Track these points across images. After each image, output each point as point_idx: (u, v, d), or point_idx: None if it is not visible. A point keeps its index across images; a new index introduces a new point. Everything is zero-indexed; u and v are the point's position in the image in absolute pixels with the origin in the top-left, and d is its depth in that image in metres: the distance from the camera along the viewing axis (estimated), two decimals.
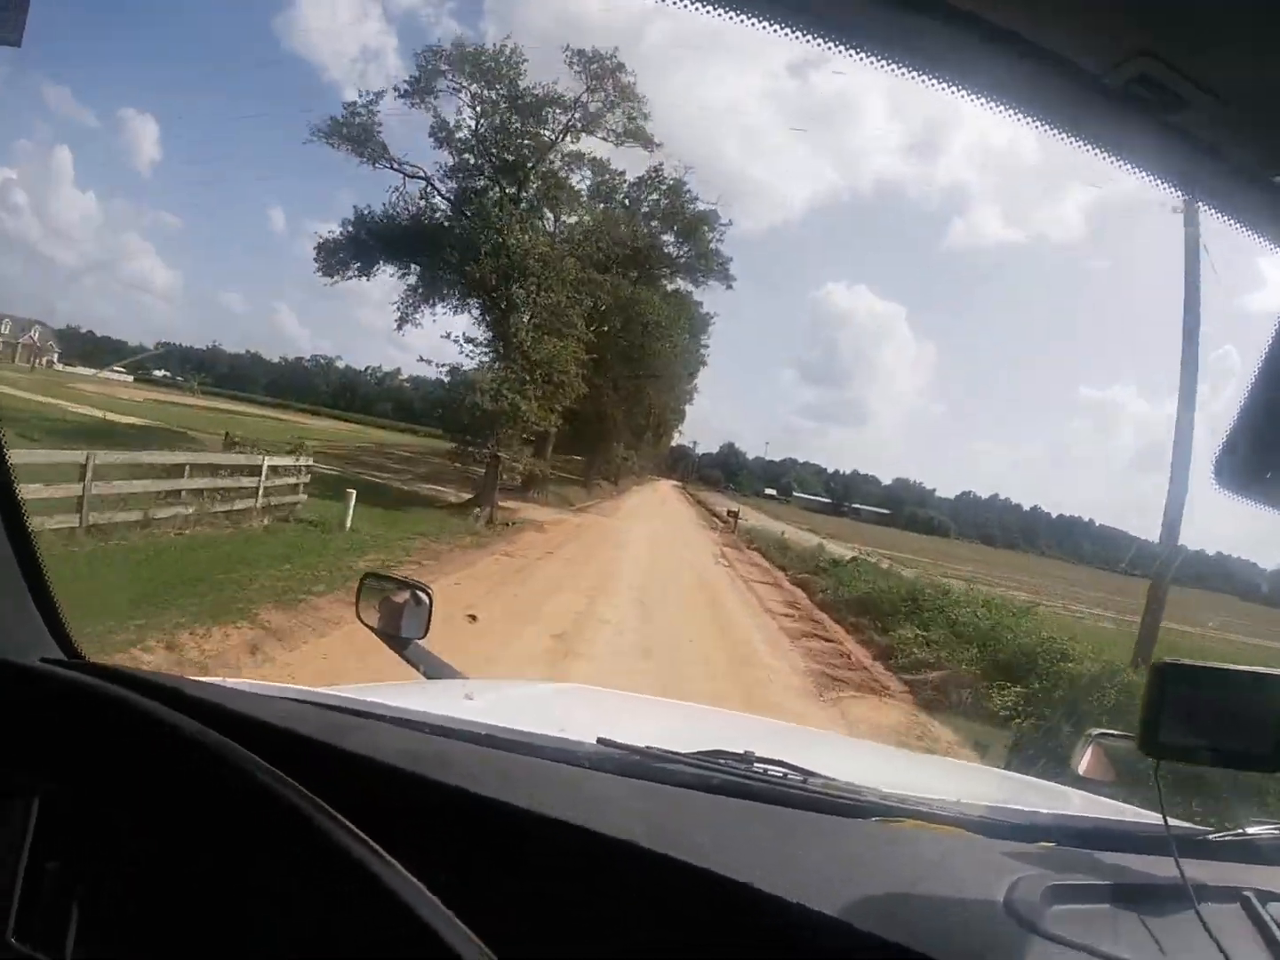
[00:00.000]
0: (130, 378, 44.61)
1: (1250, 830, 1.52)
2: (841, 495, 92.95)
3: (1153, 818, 1.46)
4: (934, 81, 0.83)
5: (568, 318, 23.44)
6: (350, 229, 25.61)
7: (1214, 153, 0.80)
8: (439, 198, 25.12)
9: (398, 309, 25.70)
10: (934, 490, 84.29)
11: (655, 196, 28.73)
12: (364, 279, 26.18)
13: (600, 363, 27.98)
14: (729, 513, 37.17)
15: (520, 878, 0.99)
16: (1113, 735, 1.87)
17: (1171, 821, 1.35)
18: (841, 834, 1.33)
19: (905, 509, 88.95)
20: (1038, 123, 0.84)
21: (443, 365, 24.44)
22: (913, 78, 0.82)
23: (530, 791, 1.16)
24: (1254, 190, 0.82)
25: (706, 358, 35.67)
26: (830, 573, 23.16)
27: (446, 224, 24.67)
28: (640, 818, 1.17)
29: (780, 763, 1.53)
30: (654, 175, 28.25)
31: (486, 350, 24.14)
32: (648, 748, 1.46)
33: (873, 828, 1.38)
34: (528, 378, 22.58)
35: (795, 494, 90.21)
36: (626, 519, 32.29)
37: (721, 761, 1.50)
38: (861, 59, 0.81)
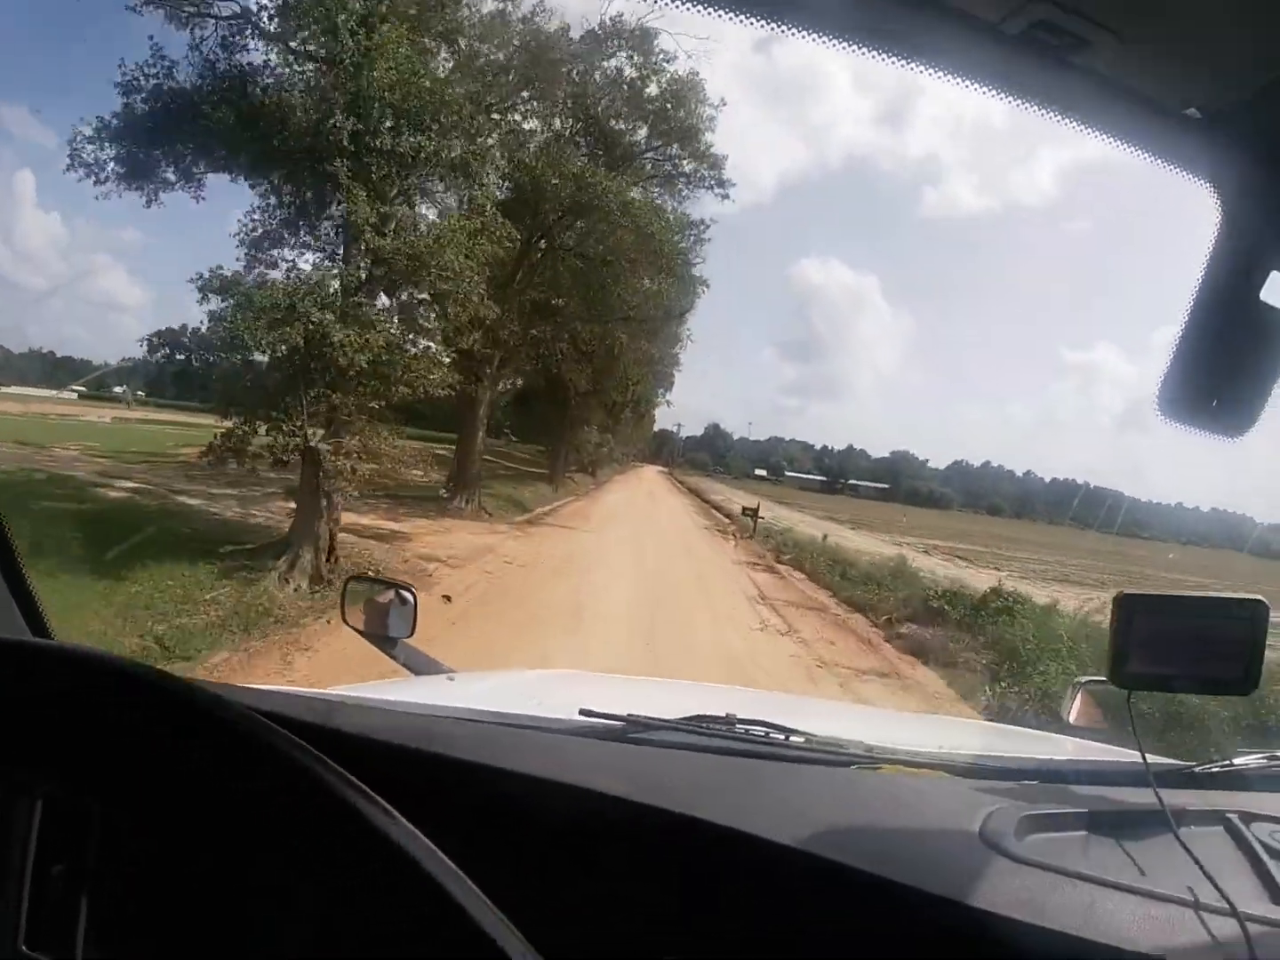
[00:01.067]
0: (75, 395, 40.58)
1: (1237, 761, 1.52)
2: (837, 472, 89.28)
3: (1136, 755, 1.40)
4: (839, 44, 0.83)
5: (459, 179, 12.46)
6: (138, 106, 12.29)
7: (1123, 90, 0.81)
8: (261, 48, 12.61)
9: (242, 239, 12.48)
10: (926, 461, 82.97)
11: (626, 69, 18.41)
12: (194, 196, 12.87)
13: (548, 308, 19.41)
14: (745, 510, 26.71)
15: (511, 836, 0.97)
16: (1100, 681, 1.73)
17: (1155, 758, 1.40)
18: (822, 781, 1.37)
19: (903, 482, 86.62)
20: (945, 75, 0.84)
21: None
22: (817, 41, 0.83)
23: (514, 757, 1.20)
24: (1166, 124, 0.83)
25: (704, 286, 23.25)
26: (977, 625, 12.32)
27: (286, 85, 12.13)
28: (624, 776, 1.21)
29: (761, 723, 1.54)
30: (615, 27, 17.88)
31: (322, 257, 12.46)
32: (629, 715, 1.47)
33: (853, 774, 1.40)
34: (363, 294, 11.35)
35: (788, 473, 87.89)
36: (602, 527, 22.71)
37: (703, 725, 1.52)
38: (764, 25, 0.82)
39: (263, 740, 0.86)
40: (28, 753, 0.92)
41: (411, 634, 2.18)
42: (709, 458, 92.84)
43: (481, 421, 20.27)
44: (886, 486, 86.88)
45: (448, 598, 9.86)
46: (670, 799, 1.15)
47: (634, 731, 1.45)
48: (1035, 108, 0.85)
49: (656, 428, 50.93)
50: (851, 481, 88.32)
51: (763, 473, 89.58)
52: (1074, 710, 1.94)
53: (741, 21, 0.83)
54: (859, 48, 0.83)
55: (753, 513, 25.66)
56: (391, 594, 2.23)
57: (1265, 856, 1.21)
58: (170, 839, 0.88)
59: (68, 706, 0.91)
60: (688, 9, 0.82)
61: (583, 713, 1.48)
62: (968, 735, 2.65)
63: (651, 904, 1.07)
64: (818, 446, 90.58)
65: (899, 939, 1.05)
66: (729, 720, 1.57)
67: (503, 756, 1.19)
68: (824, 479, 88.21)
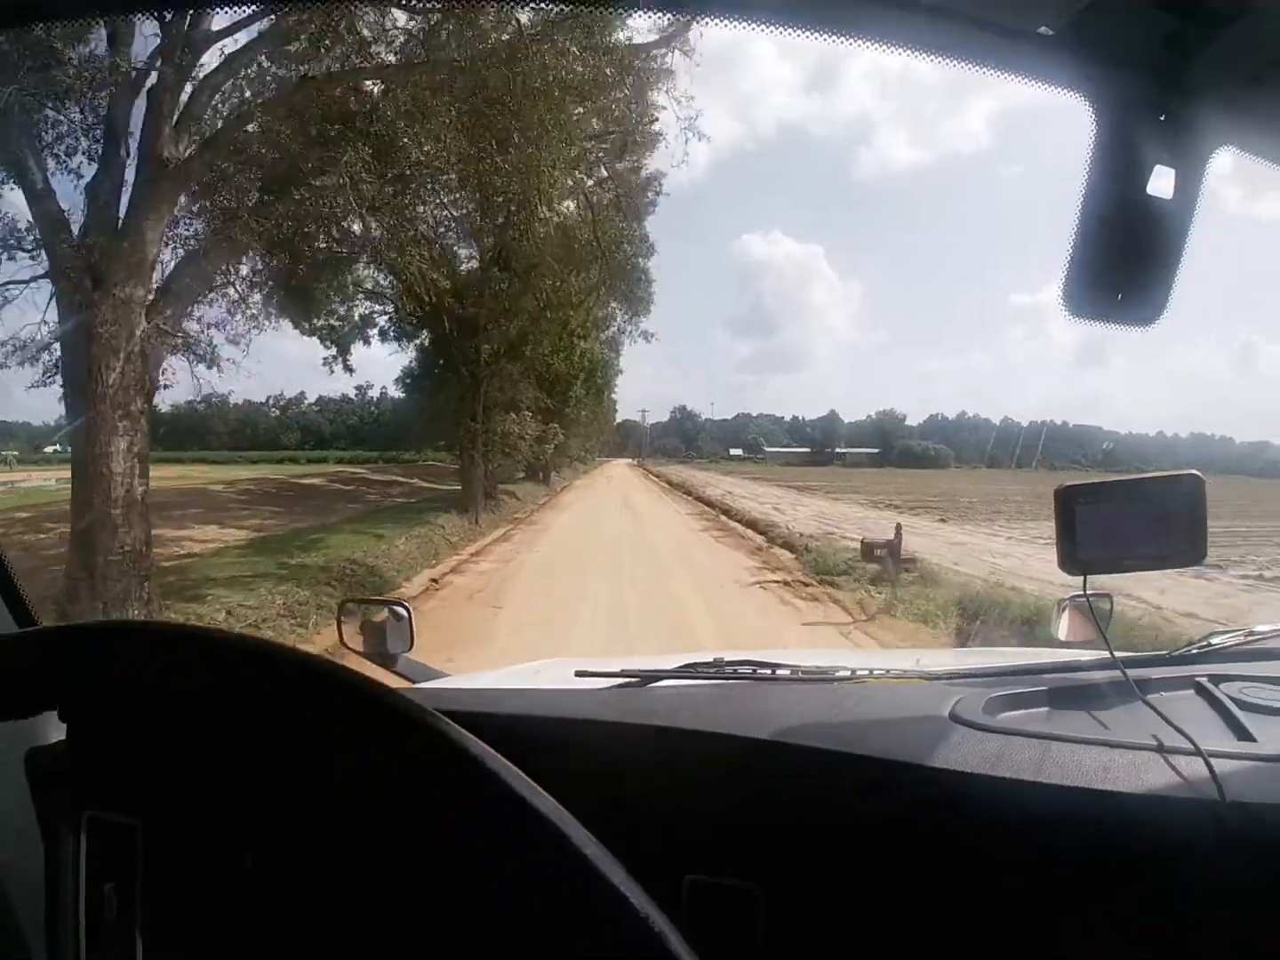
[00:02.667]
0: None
1: (1214, 640, 1.56)
2: (822, 441, 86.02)
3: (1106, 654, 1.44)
4: (710, 19, 0.86)
5: None
6: None
7: (975, 22, 0.83)
8: None
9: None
10: (904, 418, 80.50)
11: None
12: None
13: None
14: (873, 549, 12.06)
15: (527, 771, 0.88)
16: (1088, 595, 1.58)
17: (1119, 653, 1.39)
18: (808, 695, 1.44)
19: (895, 443, 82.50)
20: (808, 36, 0.85)
21: None
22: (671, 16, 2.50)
23: (521, 708, 1.30)
24: (1025, 46, 0.84)
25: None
26: None
27: None
28: (623, 712, 1.29)
29: (749, 661, 1.60)
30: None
31: None
32: (623, 669, 1.55)
33: (837, 688, 1.47)
34: None
35: (768, 449, 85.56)
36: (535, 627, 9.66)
37: (695, 670, 1.58)
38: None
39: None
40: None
41: (410, 648, 2.13)
42: (679, 443, 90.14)
43: None
44: (877, 451, 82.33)
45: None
46: (665, 720, 1.24)
47: (628, 683, 1.51)
48: (899, 53, 0.87)
49: (619, 418, 47.82)
50: (840, 450, 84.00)
51: (739, 452, 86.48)
52: (1062, 626, 1.86)
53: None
54: (711, 18, 0.86)
55: (889, 552, 11.76)
56: (385, 612, 2.17)
57: (1235, 709, 1.23)
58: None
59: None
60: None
61: (579, 674, 1.54)
62: (946, 655, 2.85)
63: (662, 826, 1.09)
64: (788, 418, 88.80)
65: (882, 808, 1.11)
66: (718, 664, 1.61)
67: (503, 708, 1.28)
68: (808, 450, 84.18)
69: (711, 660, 1.63)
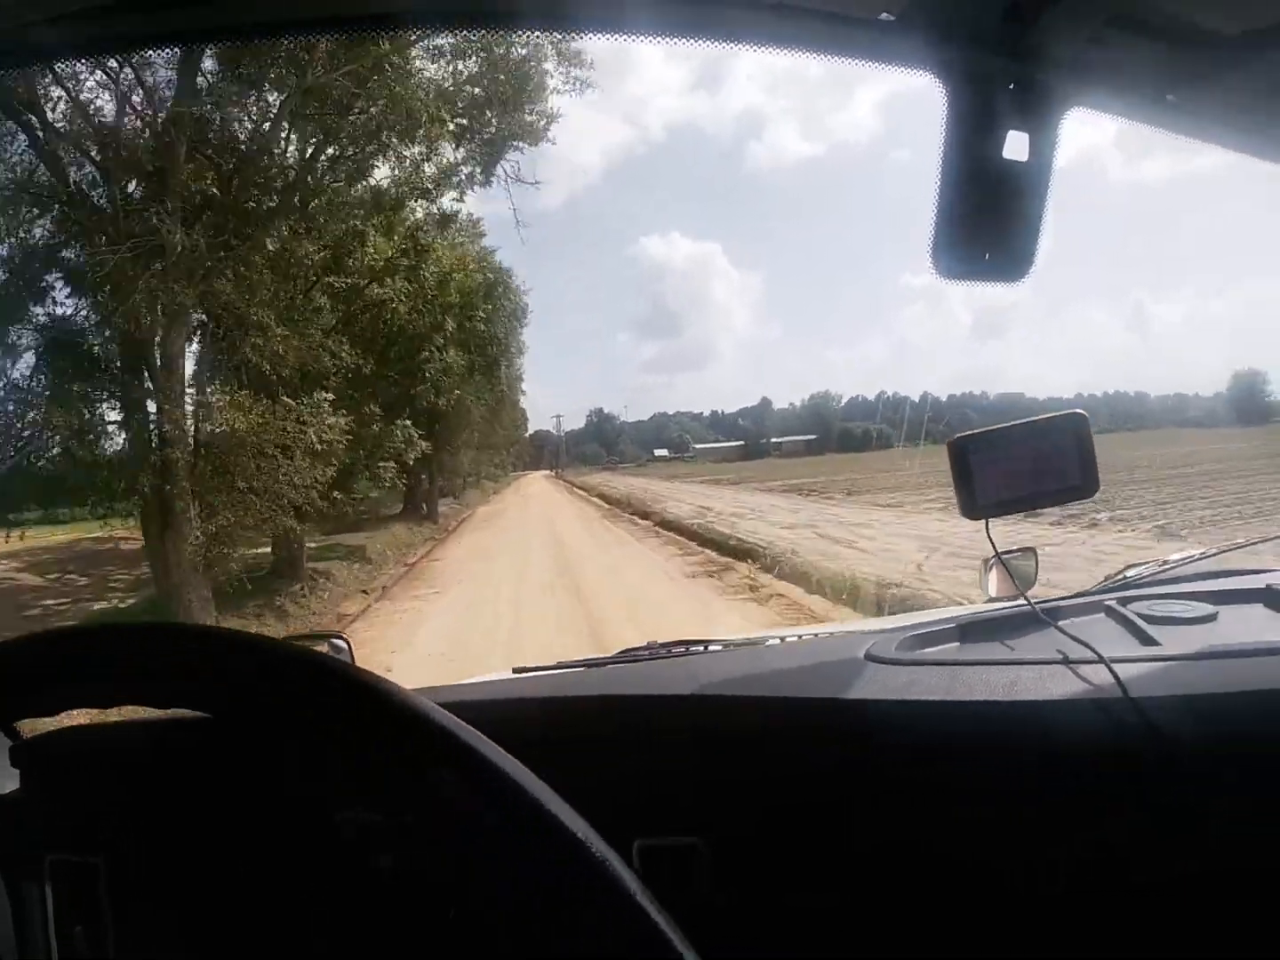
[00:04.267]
0: None
1: (1129, 573, 1.62)
2: (755, 433, 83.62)
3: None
4: (537, 27, 0.91)
5: None
6: None
7: (819, 14, 0.84)
8: None
9: None
10: (840, 400, 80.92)
11: None
12: None
13: None
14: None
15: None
16: (1012, 552, 1.65)
17: (1043, 599, 1.43)
18: (738, 659, 1.48)
19: (834, 428, 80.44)
20: (669, 41, 0.86)
21: None
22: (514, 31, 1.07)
23: (454, 699, 1.17)
24: (870, 33, 0.86)
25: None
26: None
27: None
28: (555, 691, 1.31)
29: (680, 641, 1.61)
30: None
31: None
32: (558, 662, 1.55)
33: (766, 650, 1.53)
34: None
35: (698, 446, 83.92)
36: None
37: (629, 656, 1.58)
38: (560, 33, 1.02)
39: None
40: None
41: None
42: (599, 448, 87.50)
43: None
44: (814, 438, 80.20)
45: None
46: (599, 691, 1.27)
47: (565, 670, 1.52)
48: (751, 50, 0.88)
49: (531, 428, 45.74)
50: (774, 440, 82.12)
51: (663, 453, 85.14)
52: (990, 583, 1.77)
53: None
54: (564, 30, 0.95)
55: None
56: (325, 646, 1.87)
57: (1141, 623, 1.28)
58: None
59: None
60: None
61: (516, 670, 1.54)
62: (874, 621, 2.56)
63: (606, 795, 0.98)
64: (707, 414, 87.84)
65: (806, 743, 1.13)
66: (650, 646, 1.63)
67: (436, 699, 1.04)
68: (740, 444, 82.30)
69: (644, 646, 1.64)
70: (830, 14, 0.84)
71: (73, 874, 0.92)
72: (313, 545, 15.48)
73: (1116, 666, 1.09)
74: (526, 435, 49.82)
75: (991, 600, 1.77)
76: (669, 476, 44.40)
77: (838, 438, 77.08)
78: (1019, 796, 1.06)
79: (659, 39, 0.85)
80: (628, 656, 1.57)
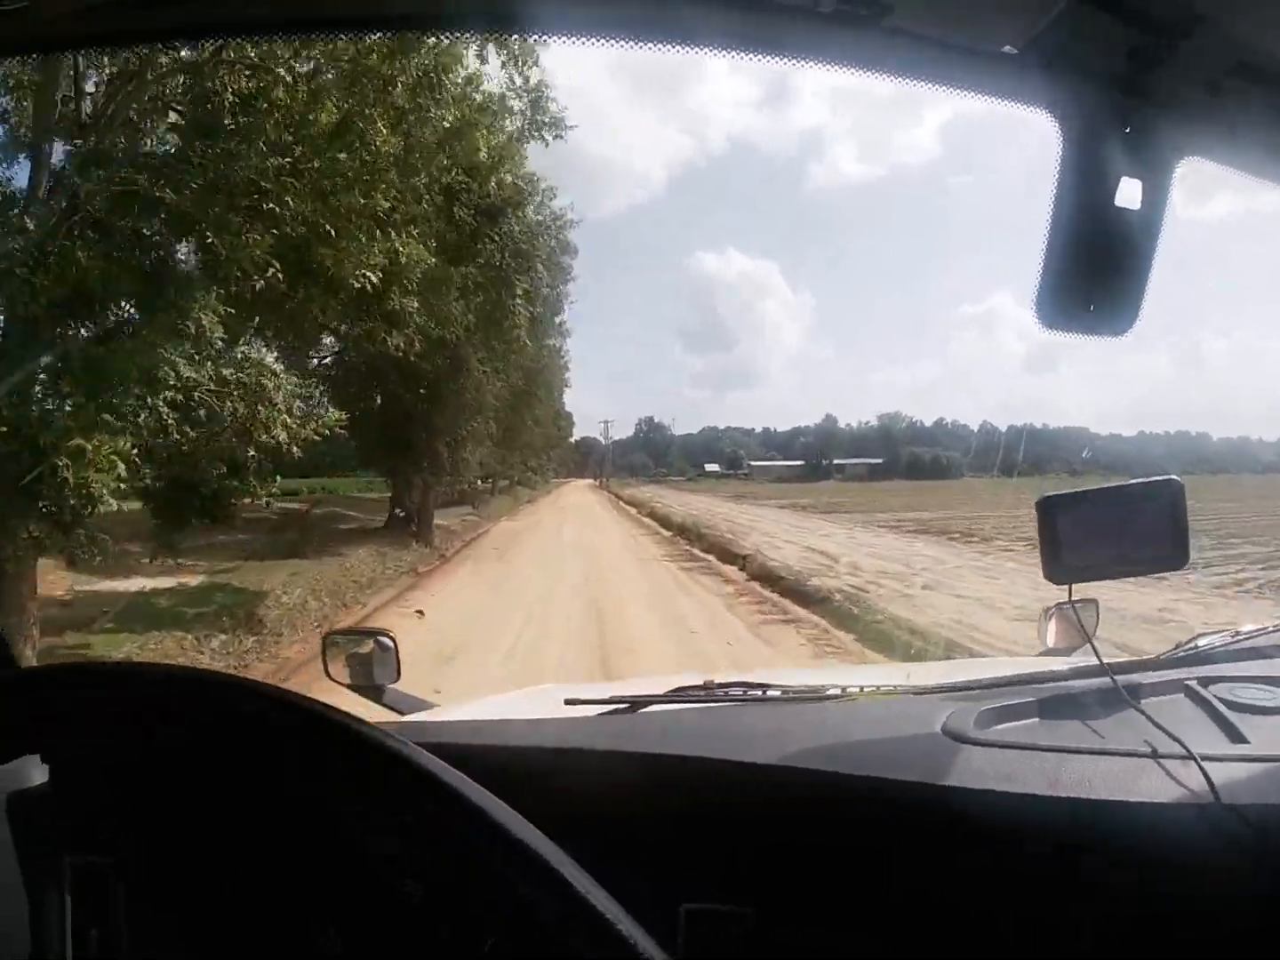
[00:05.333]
0: None
1: (1200, 643, 1.54)
2: (819, 452, 79.20)
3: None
4: (678, 48, 0.85)
5: None
6: None
7: (938, 44, 0.83)
8: None
9: None
10: (911, 422, 78.76)
11: None
12: None
13: None
14: None
15: (514, 803, 0.87)
16: (1073, 602, 1.48)
17: (1112, 659, 1.38)
18: (799, 714, 1.41)
19: (901, 453, 77.21)
20: (776, 61, 0.85)
21: None
22: (657, 48, 0.83)
23: (509, 739, 1.24)
24: (989, 66, 0.85)
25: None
26: None
27: None
28: (612, 738, 1.24)
29: (738, 683, 1.54)
30: None
31: None
32: (612, 696, 1.49)
33: (828, 706, 1.45)
34: None
35: (752, 463, 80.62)
36: None
37: (684, 693, 1.52)
38: (598, 40, 0.84)
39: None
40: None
41: (397, 679, 2.05)
42: (648, 459, 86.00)
43: None
44: (879, 461, 76.80)
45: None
46: (655, 746, 1.20)
47: (618, 709, 1.44)
48: (865, 76, 0.87)
49: (577, 434, 44.43)
50: (838, 461, 77.86)
51: (715, 467, 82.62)
52: (1049, 633, 1.82)
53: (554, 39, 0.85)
54: (691, 47, 0.85)
55: None
56: (371, 644, 2.10)
57: (1225, 710, 1.20)
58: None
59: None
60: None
61: (568, 702, 1.49)
62: (936, 668, 2.71)
63: (656, 854, 1.06)
64: (759, 430, 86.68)
65: (877, 826, 1.09)
66: (707, 686, 1.53)
67: (490, 738, 1.24)
68: (801, 464, 77.65)
69: (701, 683, 1.55)
70: (950, 44, 0.84)
71: (92, 876, 0.93)
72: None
73: (1207, 765, 1.03)
74: (572, 440, 49.75)
75: (1048, 651, 1.83)
76: (734, 496, 37.99)
77: (905, 463, 72.69)
78: (1101, 897, 1.04)
79: (771, 58, 0.83)
80: (683, 696, 1.49)
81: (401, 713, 1.96)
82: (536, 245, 13.53)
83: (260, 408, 7.20)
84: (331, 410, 10.00)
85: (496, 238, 11.81)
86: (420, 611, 9.41)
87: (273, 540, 14.32)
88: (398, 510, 17.02)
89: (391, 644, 2.04)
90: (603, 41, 0.83)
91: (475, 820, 0.75)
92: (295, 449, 7.78)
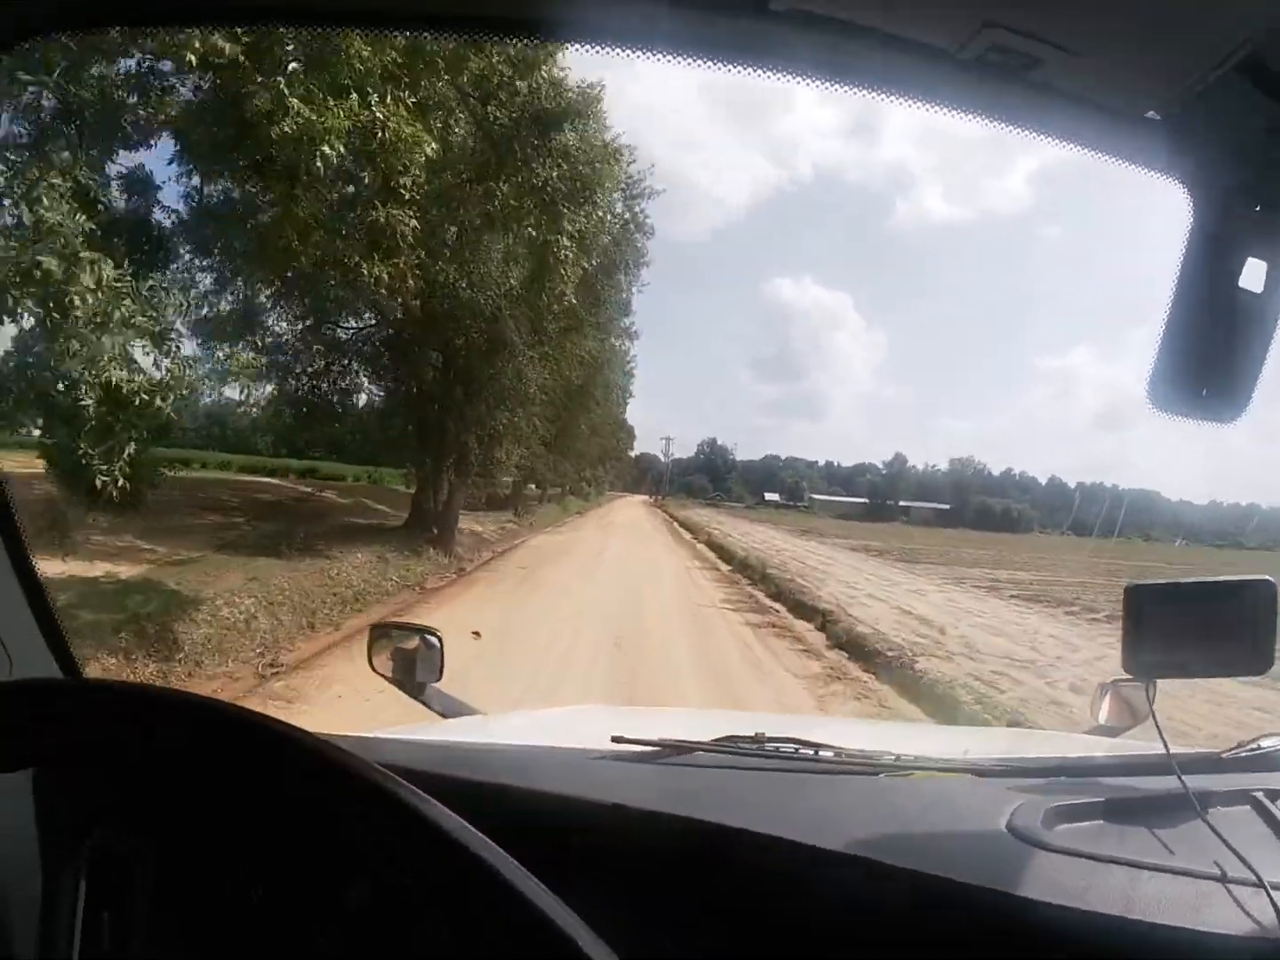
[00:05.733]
0: None
1: (1264, 743, 1.45)
2: (885, 491, 78.14)
3: (1160, 746, 1.31)
4: (805, 81, 0.86)
5: None
6: None
7: (1080, 101, 0.84)
8: None
9: None
10: (984, 469, 77.32)
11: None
12: None
13: None
14: None
15: (545, 855, 0.84)
16: (1127, 680, 1.60)
17: (1180, 748, 1.33)
18: (853, 790, 1.36)
19: (970, 500, 74.23)
20: (909, 102, 0.87)
21: None
22: (791, 81, 0.85)
23: (546, 779, 1.22)
24: (1127, 129, 0.85)
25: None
26: None
27: None
28: (661, 794, 1.22)
29: (791, 740, 1.49)
30: None
31: None
32: (661, 740, 1.44)
33: (883, 782, 1.38)
34: None
35: (814, 496, 79.08)
36: None
37: (735, 745, 1.46)
38: (732, 69, 0.86)
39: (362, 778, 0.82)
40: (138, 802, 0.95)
41: (439, 678, 2.06)
42: (707, 481, 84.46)
43: None
44: (948, 507, 74.56)
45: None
46: (704, 811, 1.14)
47: (666, 754, 1.39)
48: (998, 125, 0.88)
49: (637, 449, 42.94)
50: (903, 503, 76.63)
51: (774, 497, 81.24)
52: (1103, 710, 1.77)
53: (704, 66, 0.85)
54: (823, 82, 0.85)
55: None
56: (417, 639, 2.10)
57: None
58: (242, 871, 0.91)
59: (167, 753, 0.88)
60: (640, 56, 0.84)
61: (615, 739, 1.41)
62: (993, 740, 2.62)
63: (690, 918, 1.05)
64: (820, 463, 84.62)
65: (936, 930, 1.05)
66: (759, 739, 1.47)
67: (535, 778, 1.21)
68: (865, 501, 76.12)
69: (752, 734, 1.48)
70: (1095, 104, 0.85)
71: (112, 858, 0.93)
72: None
73: (1277, 895, 1.01)
74: (631, 455, 49.08)
75: (1098, 729, 1.81)
76: (799, 530, 34.90)
77: (975, 511, 69.91)
78: None
79: (913, 102, 0.85)
80: (734, 748, 1.43)
81: (440, 714, 2.00)
82: (598, 173, 10.74)
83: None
84: (242, 355, 7.32)
85: (543, 150, 9.12)
86: (477, 633, 7.97)
87: (258, 529, 12.16)
88: (419, 512, 14.70)
89: (438, 643, 2.05)
90: (726, 68, 0.83)
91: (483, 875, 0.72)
92: (161, 402, 5.32)
